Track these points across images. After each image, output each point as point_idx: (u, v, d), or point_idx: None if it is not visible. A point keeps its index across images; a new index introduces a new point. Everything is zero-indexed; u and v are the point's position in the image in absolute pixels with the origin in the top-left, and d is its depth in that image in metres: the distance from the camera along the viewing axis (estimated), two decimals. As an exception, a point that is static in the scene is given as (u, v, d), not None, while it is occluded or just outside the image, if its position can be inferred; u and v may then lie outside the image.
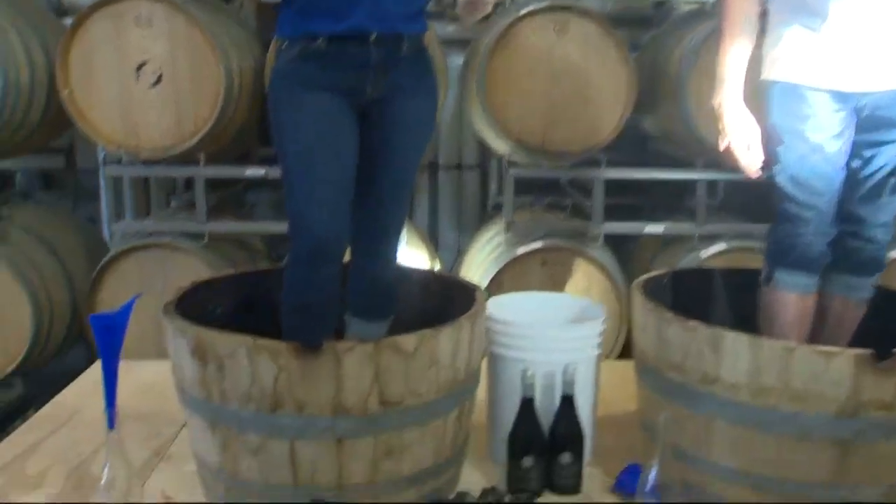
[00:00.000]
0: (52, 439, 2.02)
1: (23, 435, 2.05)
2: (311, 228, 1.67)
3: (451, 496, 1.70)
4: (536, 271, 3.06)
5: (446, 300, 1.96)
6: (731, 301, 2.03)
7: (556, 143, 2.93)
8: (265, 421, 1.49)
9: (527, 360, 1.79)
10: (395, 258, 1.90)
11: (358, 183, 1.72)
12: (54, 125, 3.24)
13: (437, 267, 3.42)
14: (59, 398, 2.27)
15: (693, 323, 1.60)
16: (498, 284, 2.98)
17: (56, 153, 3.75)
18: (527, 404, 1.74)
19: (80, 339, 3.34)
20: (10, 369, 3.17)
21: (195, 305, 1.86)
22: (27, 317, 3.11)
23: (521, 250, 3.01)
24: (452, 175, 3.84)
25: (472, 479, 1.82)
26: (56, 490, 1.78)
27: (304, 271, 1.70)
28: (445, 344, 1.56)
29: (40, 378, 3.41)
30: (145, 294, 3.13)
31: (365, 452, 1.53)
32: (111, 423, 1.51)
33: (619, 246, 3.45)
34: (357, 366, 1.47)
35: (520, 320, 1.84)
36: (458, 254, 3.77)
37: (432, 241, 3.82)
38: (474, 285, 1.88)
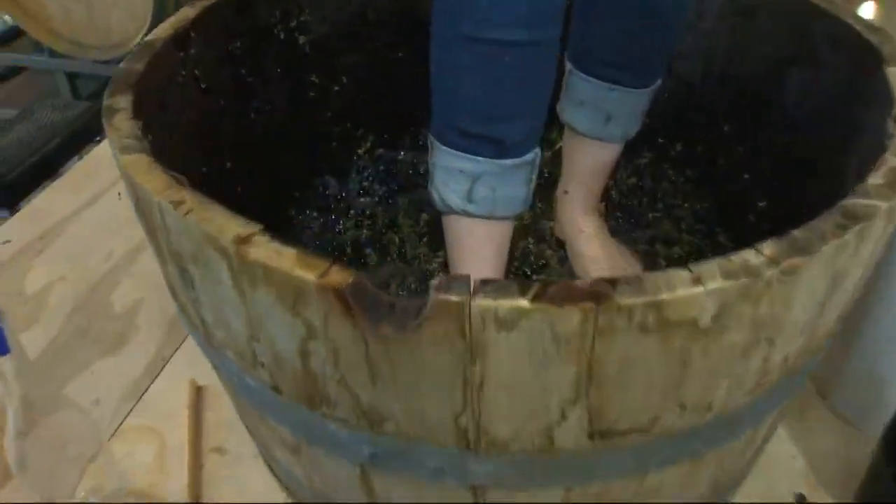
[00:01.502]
0: (78, 222, 1.28)
1: (49, 199, 1.33)
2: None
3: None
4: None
5: (790, 51, 0.84)
6: None
7: None
8: (296, 416, 0.60)
9: None
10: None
11: None
12: None
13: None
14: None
15: None
16: None
17: None
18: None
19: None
20: (139, 37, 2.44)
21: (239, 33, 0.90)
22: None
23: None
24: None
25: (782, 452, 0.87)
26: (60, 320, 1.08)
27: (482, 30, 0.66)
28: (810, 289, 0.51)
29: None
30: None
31: (541, 511, 0.61)
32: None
33: None
34: (527, 357, 0.48)
35: None
36: None
37: None
38: (883, 43, 0.72)
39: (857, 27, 0.74)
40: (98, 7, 2.54)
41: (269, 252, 0.50)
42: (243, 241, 0.50)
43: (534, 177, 0.76)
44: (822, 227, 0.50)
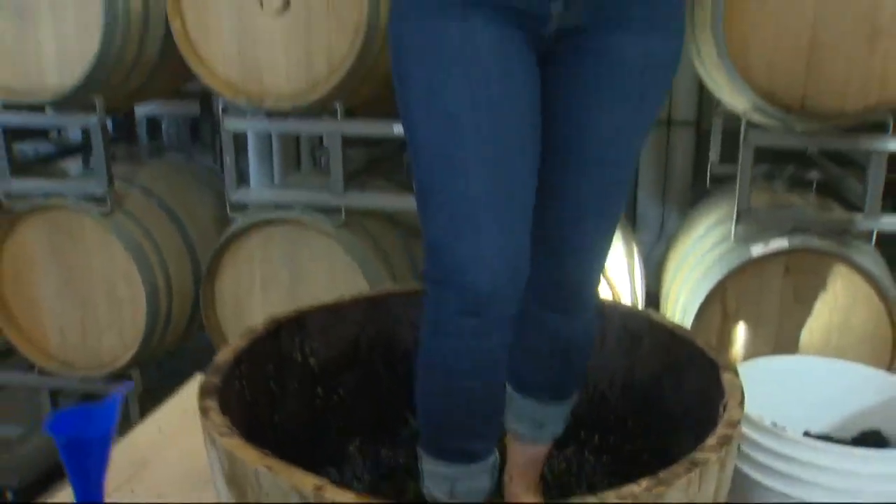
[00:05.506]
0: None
1: None
2: (463, 272, 0.91)
3: None
4: (776, 282, 2.20)
5: (665, 365, 1.20)
6: None
7: (822, 97, 2.03)
8: None
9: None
10: (594, 307, 1.13)
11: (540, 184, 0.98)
12: (178, 64, 2.69)
13: (636, 259, 2.62)
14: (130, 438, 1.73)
15: None
16: (720, 298, 2.16)
17: (192, 98, 3.25)
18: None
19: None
20: (127, 358, 2.75)
21: (271, 357, 1.22)
22: (142, 298, 2.66)
23: (759, 251, 2.16)
24: (659, 133, 2.94)
25: None
26: None
27: (453, 340, 0.97)
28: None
29: (161, 370, 3.00)
30: (273, 290, 2.59)
31: None
32: None
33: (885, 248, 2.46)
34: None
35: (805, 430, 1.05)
36: (662, 239, 2.95)
37: (628, 215, 3.00)
38: (720, 357, 1.09)
39: (704, 347, 1.12)
40: (92, 331, 2.90)
41: (340, 495, 0.78)
42: (318, 488, 0.79)
43: (495, 472, 1.07)
44: (678, 469, 0.82)
